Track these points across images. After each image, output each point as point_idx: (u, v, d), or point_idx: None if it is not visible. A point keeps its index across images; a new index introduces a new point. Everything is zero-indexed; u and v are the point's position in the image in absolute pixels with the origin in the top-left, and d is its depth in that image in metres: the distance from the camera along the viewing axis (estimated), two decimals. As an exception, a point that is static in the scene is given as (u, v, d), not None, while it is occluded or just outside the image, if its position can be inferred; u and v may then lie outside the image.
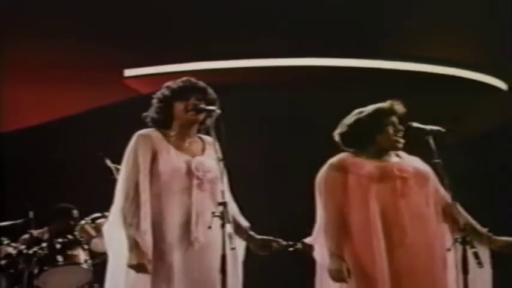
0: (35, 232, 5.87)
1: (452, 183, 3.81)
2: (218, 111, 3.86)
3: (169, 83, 3.98)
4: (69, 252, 5.61)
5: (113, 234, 3.79)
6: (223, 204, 3.61)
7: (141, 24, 7.20)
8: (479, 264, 3.71)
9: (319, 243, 4.01)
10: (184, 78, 3.98)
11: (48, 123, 7.66)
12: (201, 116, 3.91)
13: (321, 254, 3.98)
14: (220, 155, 3.75)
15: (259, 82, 7.85)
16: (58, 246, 5.63)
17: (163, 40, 7.41)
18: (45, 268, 5.56)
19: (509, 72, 7.73)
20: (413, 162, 4.05)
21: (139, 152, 3.81)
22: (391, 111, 4.02)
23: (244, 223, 3.97)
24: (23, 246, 5.63)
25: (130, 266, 3.66)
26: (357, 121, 4.05)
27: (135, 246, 3.66)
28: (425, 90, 7.56)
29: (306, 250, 4.48)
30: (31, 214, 5.74)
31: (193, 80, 3.98)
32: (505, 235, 4.14)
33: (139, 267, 3.65)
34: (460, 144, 7.58)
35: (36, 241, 5.76)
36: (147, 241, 3.69)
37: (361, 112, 4.07)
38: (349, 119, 4.08)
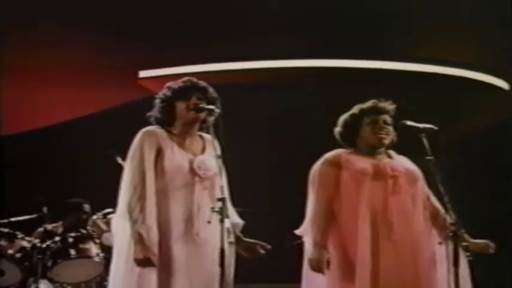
0: (49, 226, 5.91)
1: (445, 180, 3.82)
2: (217, 110, 3.91)
3: (170, 84, 4.03)
4: (81, 246, 5.63)
5: (119, 228, 3.83)
6: (222, 200, 3.66)
7: (156, 27, 7.24)
8: (470, 257, 3.74)
9: (308, 234, 4.07)
10: (185, 79, 4.04)
11: (64, 122, 7.75)
12: (202, 115, 3.96)
13: (309, 244, 4.04)
14: (219, 152, 3.81)
15: (269, 82, 7.91)
16: (70, 240, 5.65)
17: (177, 42, 7.43)
18: (58, 261, 5.58)
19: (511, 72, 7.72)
20: (403, 162, 4.14)
21: (145, 148, 3.85)
22: (375, 110, 4.11)
23: (238, 220, 3.99)
24: (36, 240, 5.66)
25: (136, 260, 3.69)
26: (344, 121, 4.19)
27: (140, 240, 3.69)
28: (429, 89, 7.56)
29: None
30: (45, 209, 5.79)
31: (194, 80, 4.03)
32: (506, 230, 4.17)
33: (145, 261, 3.69)
34: (462, 141, 7.59)
35: (50, 235, 5.79)
36: (152, 236, 3.73)
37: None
38: (341, 118, 4.20)
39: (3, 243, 5.55)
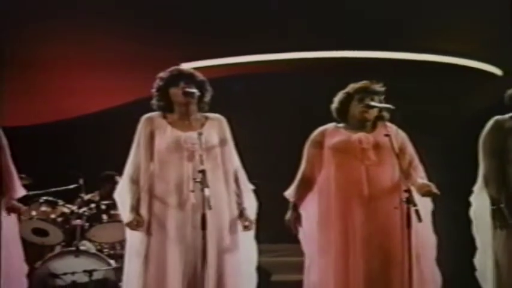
0: (86, 196, 6.19)
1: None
2: (198, 93, 4.01)
3: (161, 74, 4.11)
4: (113, 212, 5.82)
5: (124, 198, 4.06)
6: (203, 171, 3.75)
7: (197, 20, 7.27)
8: (419, 220, 3.79)
9: (291, 198, 4.36)
10: (171, 68, 4.12)
11: (105, 109, 7.93)
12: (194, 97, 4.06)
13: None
14: (201, 130, 3.91)
15: (295, 72, 7.95)
16: (103, 207, 5.91)
17: (217, 34, 7.48)
18: (93, 224, 5.84)
19: (503, 60, 7.54)
20: (379, 135, 4.17)
21: (142, 132, 4.07)
22: (366, 90, 4.23)
23: (248, 186, 4.16)
24: (74, 207, 5.94)
25: (126, 224, 3.97)
26: (338, 98, 4.33)
27: (132, 209, 3.97)
28: (426, 77, 7.49)
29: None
30: (81, 181, 6.07)
31: (180, 68, 4.17)
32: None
33: (130, 225, 3.96)
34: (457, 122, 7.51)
35: (89, 202, 6.07)
36: (143, 203, 3.95)
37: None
38: (337, 96, 4.34)
39: (47, 209, 5.85)
